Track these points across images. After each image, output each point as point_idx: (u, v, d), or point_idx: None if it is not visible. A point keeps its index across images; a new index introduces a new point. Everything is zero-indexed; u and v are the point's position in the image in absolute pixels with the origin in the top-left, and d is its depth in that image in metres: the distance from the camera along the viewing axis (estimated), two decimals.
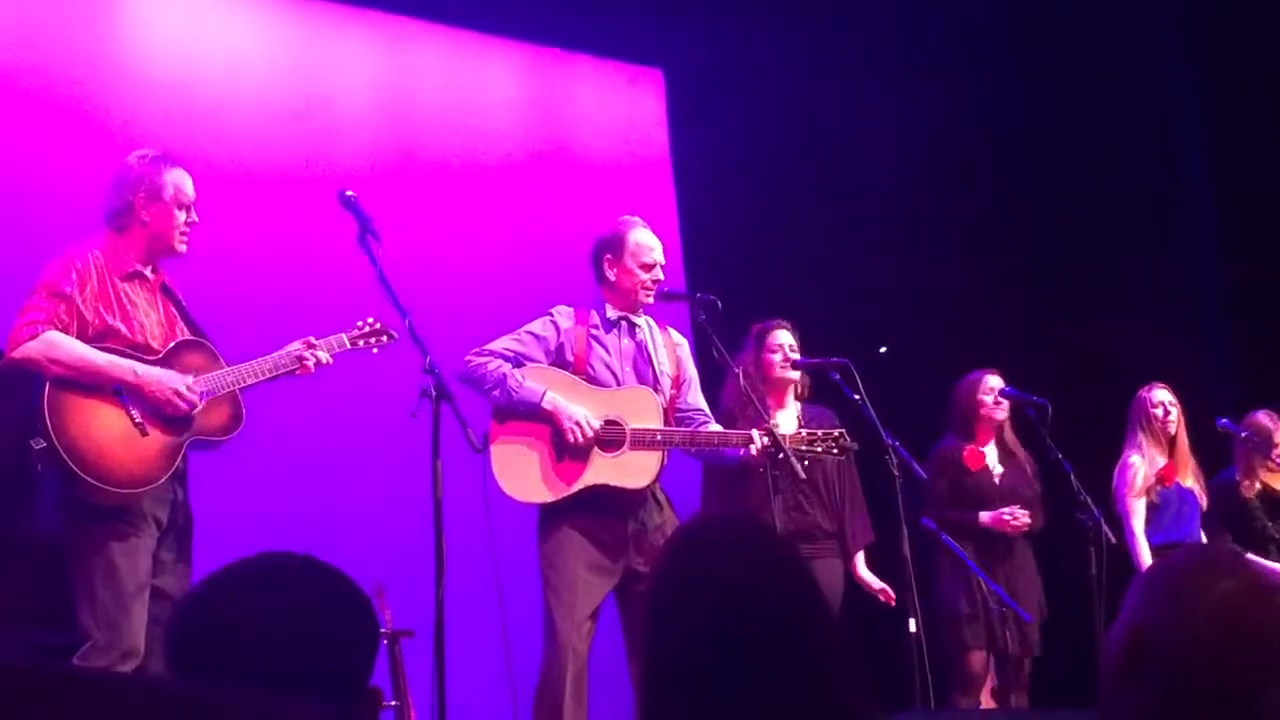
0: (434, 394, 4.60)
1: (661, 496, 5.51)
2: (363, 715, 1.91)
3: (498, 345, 5.47)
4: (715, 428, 5.64)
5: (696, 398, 5.71)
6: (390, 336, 5.18)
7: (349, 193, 4.89)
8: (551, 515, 5.37)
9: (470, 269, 7.61)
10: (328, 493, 6.74)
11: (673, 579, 2.00)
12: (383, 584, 5.73)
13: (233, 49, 7.19)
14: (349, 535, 6.36)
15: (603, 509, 5.34)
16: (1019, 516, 7.06)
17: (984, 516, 7.09)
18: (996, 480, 7.23)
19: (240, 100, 7.14)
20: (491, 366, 5.39)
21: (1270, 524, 7.61)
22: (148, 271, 4.85)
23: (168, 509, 4.74)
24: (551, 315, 5.58)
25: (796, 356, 6.44)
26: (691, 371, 5.73)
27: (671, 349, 5.67)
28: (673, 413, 5.56)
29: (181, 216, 4.84)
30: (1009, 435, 7.32)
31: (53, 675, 1.27)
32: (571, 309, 5.61)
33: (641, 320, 5.64)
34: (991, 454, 7.30)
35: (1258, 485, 7.65)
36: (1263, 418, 7.68)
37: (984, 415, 7.27)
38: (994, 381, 7.26)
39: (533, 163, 8.14)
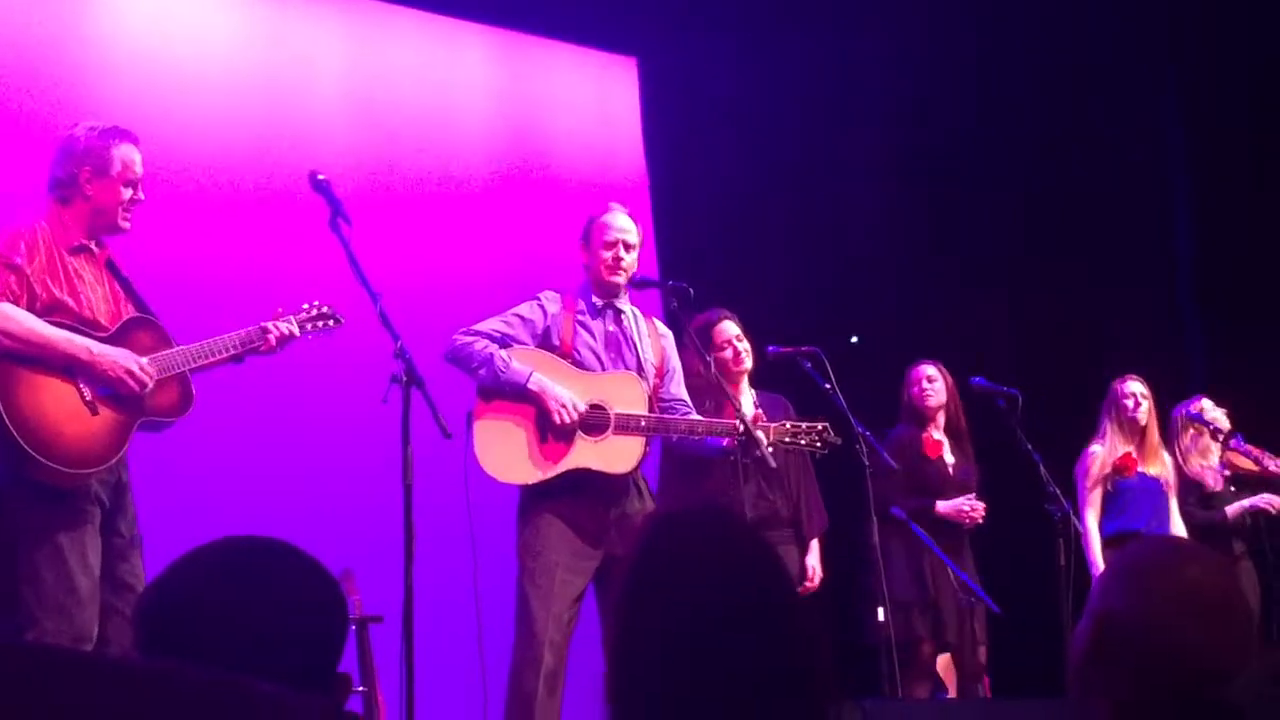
0: (404, 379, 4.55)
1: (642, 484, 5.51)
2: (331, 700, 1.89)
3: (485, 326, 5.47)
4: (695, 417, 5.64)
5: (679, 388, 5.71)
6: (336, 320, 5.09)
7: (320, 176, 4.78)
8: (532, 500, 5.36)
9: (440, 255, 7.59)
10: (299, 479, 6.71)
11: (646, 565, 1.99)
12: (350, 569, 5.71)
13: (202, 32, 7.14)
14: (321, 522, 6.33)
15: (585, 494, 5.33)
16: (976, 508, 7.10)
17: (942, 506, 7.10)
18: (951, 470, 7.26)
19: (209, 85, 7.07)
20: (479, 346, 5.39)
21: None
22: (93, 246, 4.70)
23: (111, 490, 4.60)
24: (539, 299, 5.59)
25: (745, 345, 6.42)
26: (675, 363, 5.73)
27: (656, 339, 5.68)
28: (655, 402, 5.57)
29: (127, 193, 4.68)
30: (958, 422, 7.33)
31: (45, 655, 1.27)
32: (559, 294, 5.62)
33: (627, 309, 5.64)
34: (945, 444, 7.34)
35: (1226, 471, 7.75)
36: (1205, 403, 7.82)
37: (919, 405, 7.31)
38: (925, 370, 7.30)
39: (506, 149, 8.11)
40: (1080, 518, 7.31)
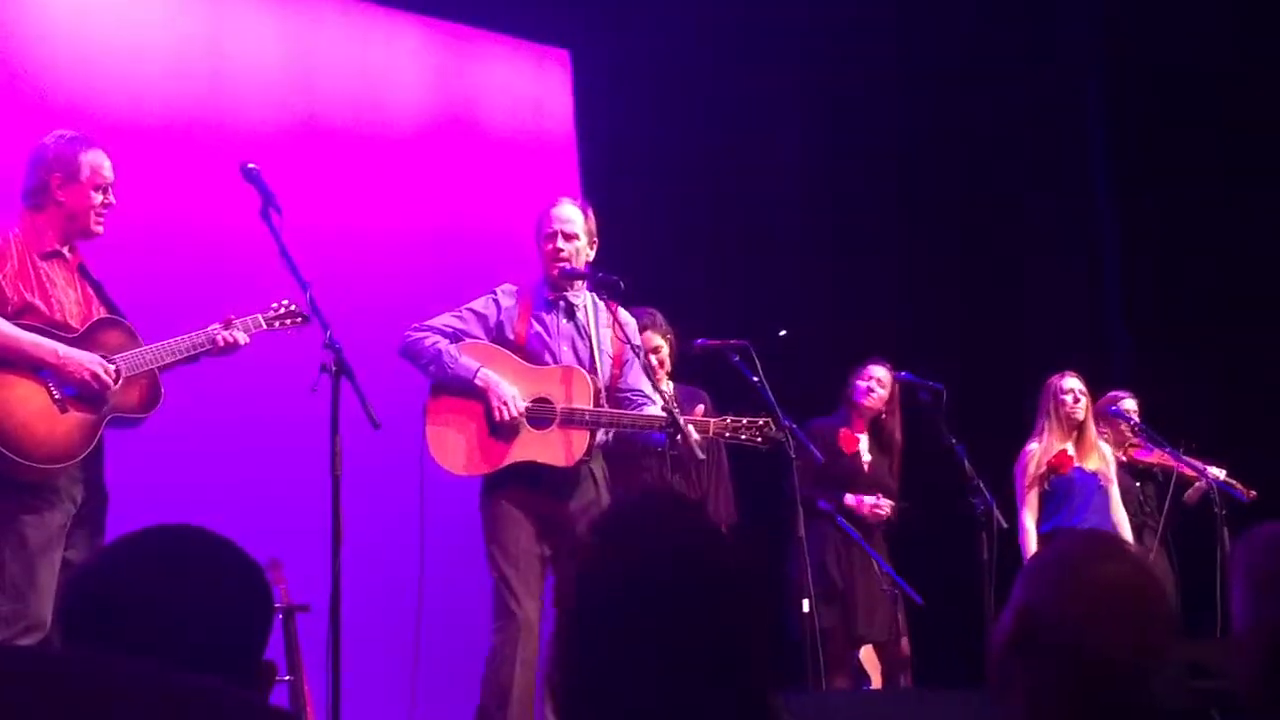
0: (334, 369, 4.55)
1: (598, 474, 5.56)
2: (255, 688, 1.89)
3: (437, 321, 5.53)
4: (653, 409, 5.66)
5: (638, 379, 5.71)
6: (303, 319, 5.16)
7: (251, 165, 4.83)
8: (489, 492, 5.43)
9: (372, 244, 7.56)
10: (229, 468, 6.66)
11: (606, 555, 1.96)
12: (278, 559, 5.70)
13: (135, 20, 7.07)
14: (250, 511, 6.27)
15: (537, 486, 5.39)
16: (883, 507, 7.18)
17: (849, 499, 7.18)
18: (865, 468, 7.33)
19: (144, 75, 7.01)
20: (429, 342, 5.44)
21: (1141, 495, 7.86)
22: (66, 251, 4.84)
23: (83, 487, 4.73)
24: (494, 293, 5.64)
25: (663, 355, 6.44)
26: (633, 353, 5.74)
27: (615, 329, 5.69)
28: (614, 393, 5.60)
29: (98, 198, 4.82)
30: (890, 429, 7.41)
31: None
32: (515, 287, 5.67)
33: (582, 300, 5.67)
34: (864, 442, 7.40)
35: (1120, 458, 7.87)
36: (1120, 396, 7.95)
37: (856, 400, 7.38)
38: (877, 371, 7.36)
39: (438, 140, 8.08)
40: (1017, 516, 7.39)
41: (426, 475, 5.38)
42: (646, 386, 5.73)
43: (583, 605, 1.93)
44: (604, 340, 5.64)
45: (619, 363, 5.67)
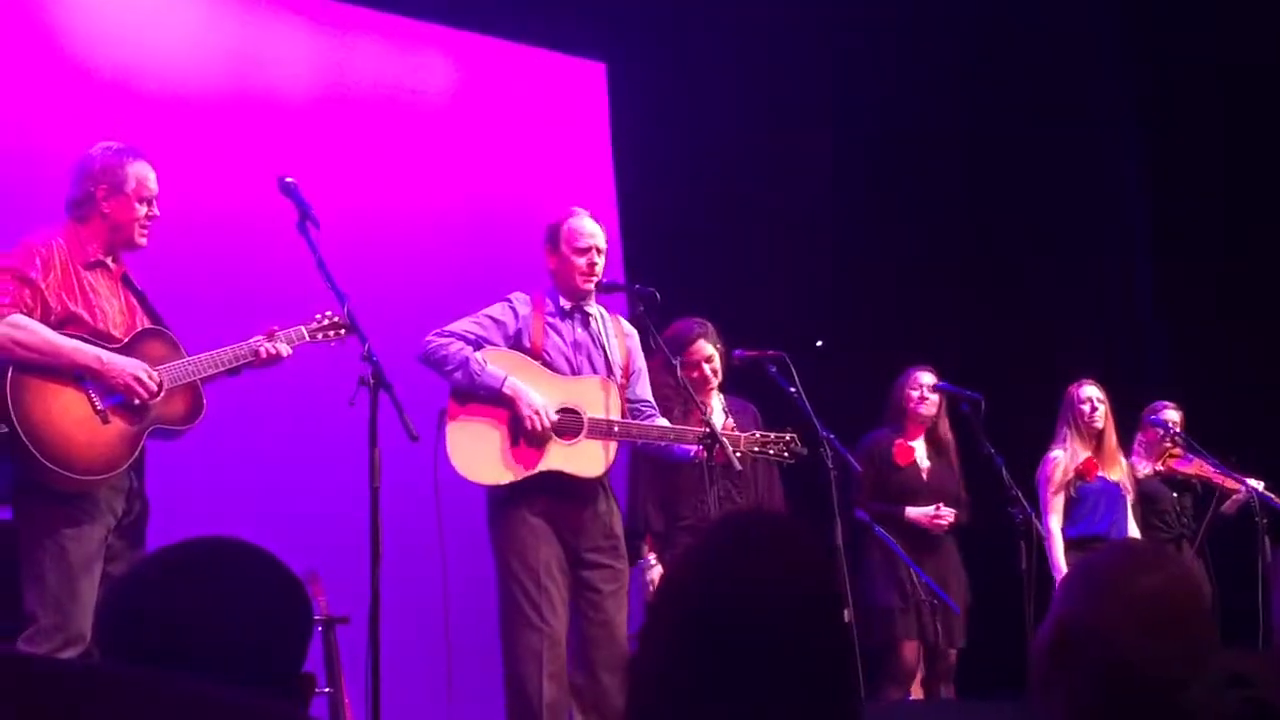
0: (372, 382, 4.57)
1: (607, 485, 5.53)
2: (294, 701, 1.89)
3: (458, 327, 5.47)
4: (662, 421, 5.65)
5: (644, 390, 5.71)
6: (346, 330, 5.15)
7: (289, 179, 4.84)
8: (503, 502, 5.36)
9: (406, 256, 7.58)
10: (266, 480, 6.69)
11: (723, 576, 1.92)
12: (316, 571, 5.70)
13: (169, 36, 7.13)
14: (289, 523, 6.30)
15: (556, 496, 5.35)
16: (945, 516, 7.16)
17: (911, 512, 7.17)
18: (924, 476, 7.31)
19: (176, 88, 7.06)
20: (454, 349, 5.39)
21: (1178, 505, 7.80)
22: (109, 261, 4.85)
23: (124, 498, 4.73)
24: (510, 301, 5.59)
25: (715, 365, 6.41)
26: (641, 363, 5.73)
27: (623, 340, 5.68)
28: (623, 404, 5.58)
29: (142, 210, 4.84)
30: (942, 431, 7.39)
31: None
32: (528, 296, 5.62)
33: (595, 310, 5.64)
34: (921, 449, 7.38)
35: (1157, 468, 7.82)
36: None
37: (912, 410, 7.36)
38: (925, 378, 7.34)
39: (473, 153, 8.10)
40: (1043, 522, 7.36)
41: (447, 481, 5.31)
42: (651, 397, 5.73)
43: (707, 622, 1.89)
44: (614, 351, 5.62)
45: (627, 373, 5.65)
